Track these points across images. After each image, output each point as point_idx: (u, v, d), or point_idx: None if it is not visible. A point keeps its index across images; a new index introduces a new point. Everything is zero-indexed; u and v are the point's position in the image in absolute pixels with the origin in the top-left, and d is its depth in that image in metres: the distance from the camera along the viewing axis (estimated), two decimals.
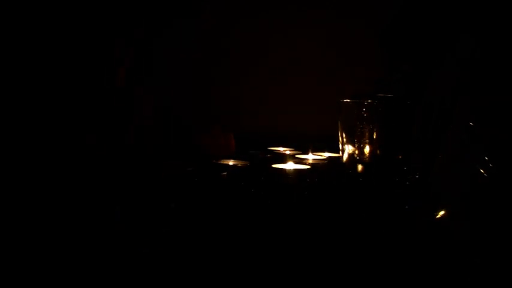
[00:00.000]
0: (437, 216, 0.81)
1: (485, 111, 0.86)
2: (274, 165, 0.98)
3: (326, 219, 0.79)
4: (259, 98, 1.54)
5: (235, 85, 1.54)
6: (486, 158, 0.81)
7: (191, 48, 1.42)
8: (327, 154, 1.19)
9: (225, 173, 0.91)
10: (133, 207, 0.76)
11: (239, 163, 1.01)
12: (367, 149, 0.90)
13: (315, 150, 1.17)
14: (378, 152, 0.90)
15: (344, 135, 0.93)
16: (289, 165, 0.98)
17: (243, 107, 1.53)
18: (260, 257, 0.69)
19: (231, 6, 1.50)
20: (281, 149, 1.23)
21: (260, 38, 1.54)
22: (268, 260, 0.69)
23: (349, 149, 0.92)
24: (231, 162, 1.01)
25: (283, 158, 1.04)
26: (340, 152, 0.95)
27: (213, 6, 1.45)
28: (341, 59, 1.51)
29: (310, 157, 1.12)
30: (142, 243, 0.70)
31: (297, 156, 1.12)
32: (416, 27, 1.21)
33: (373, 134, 0.90)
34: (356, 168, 0.91)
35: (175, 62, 1.42)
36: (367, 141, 0.90)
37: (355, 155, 0.91)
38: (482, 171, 0.81)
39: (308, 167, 1.00)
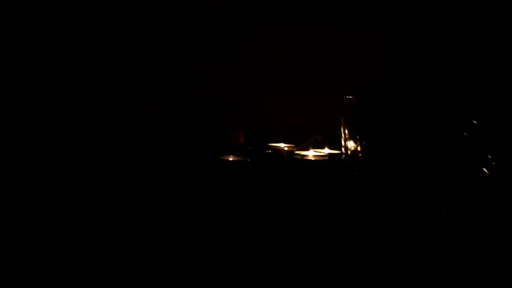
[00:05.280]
0: (440, 215, 0.80)
1: (488, 110, 0.86)
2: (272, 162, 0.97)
3: (329, 217, 0.79)
4: (261, 97, 1.54)
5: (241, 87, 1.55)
6: (489, 157, 0.81)
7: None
8: (327, 151, 1.18)
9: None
10: (141, 206, 0.75)
11: (238, 159, 1.00)
12: (368, 146, 0.90)
13: (315, 146, 1.16)
14: (380, 149, 0.90)
15: (347, 132, 0.92)
16: (289, 161, 0.98)
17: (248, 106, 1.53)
18: (266, 255, 0.69)
19: (232, 6, 1.50)
20: (281, 145, 1.22)
21: (262, 38, 1.54)
22: (275, 257, 0.69)
23: (351, 145, 0.92)
24: (230, 158, 1.01)
25: (282, 154, 1.03)
26: (342, 149, 0.94)
27: (217, 7, 1.45)
28: (343, 59, 1.50)
29: (311, 153, 1.11)
30: (146, 244, 0.69)
31: (296, 152, 1.11)
32: (419, 27, 1.21)
33: (375, 131, 0.89)
34: (357, 164, 0.91)
35: None
36: (369, 138, 0.89)
37: (357, 152, 0.91)
38: (485, 169, 0.80)
39: (308, 161, 0.99)
